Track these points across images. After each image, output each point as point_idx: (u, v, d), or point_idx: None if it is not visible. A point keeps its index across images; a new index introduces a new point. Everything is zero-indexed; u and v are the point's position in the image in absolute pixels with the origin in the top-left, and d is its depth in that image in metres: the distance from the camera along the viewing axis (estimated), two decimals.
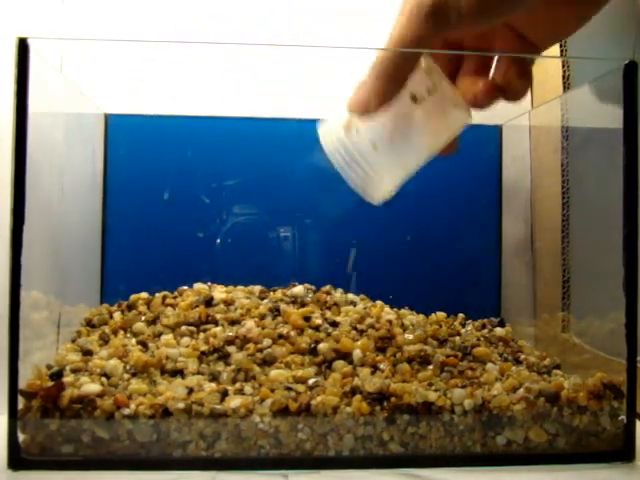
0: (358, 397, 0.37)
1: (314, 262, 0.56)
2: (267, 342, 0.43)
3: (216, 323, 0.46)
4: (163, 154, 0.56)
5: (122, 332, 0.45)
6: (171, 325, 0.45)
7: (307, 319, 0.46)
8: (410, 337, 0.45)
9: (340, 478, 0.36)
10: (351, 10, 0.58)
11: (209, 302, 0.48)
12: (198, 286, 0.51)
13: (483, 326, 0.52)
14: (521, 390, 0.39)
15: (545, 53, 0.42)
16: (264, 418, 0.36)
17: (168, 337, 0.44)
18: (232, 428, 0.36)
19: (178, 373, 0.40)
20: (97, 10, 0.56)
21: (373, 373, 0.41)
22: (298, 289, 0.50)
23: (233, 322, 0.46)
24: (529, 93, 0.53)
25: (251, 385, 0.39)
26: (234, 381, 0.40)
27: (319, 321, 0.46)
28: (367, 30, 0.58)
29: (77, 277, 0.51)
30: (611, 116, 0.41)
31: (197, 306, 0.47)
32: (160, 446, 0.36)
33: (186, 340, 0.44)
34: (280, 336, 0.44)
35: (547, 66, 0.55)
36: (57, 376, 0.37)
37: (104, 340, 0.44)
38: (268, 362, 0.42)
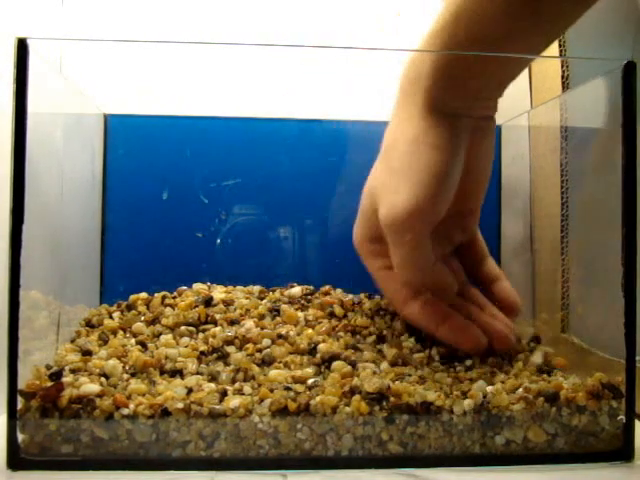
0: (357, 397, 0.37)
1: (314, 262, 0.56)
2: (266, 342, 0.43)
3: (215, 323, 0.46)
4: (163, 154, 0.56)
5: (121, 332, 0.45)
6: (170, 325, 0.45)
7: None
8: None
9: (339, 478, 0.36)
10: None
11: (208, 302, 0.48)
12: (197, 286, 0.51)
13: None
14: (520, 390, 0.38)
15: (545, 53, 0.42)
16: (263, 418, 0.36)
17: (167, 337, 0.44)
18: (231, 428, 0.36)
19: (177, 373, 0.40)
20: (96, 11, 0.56)
21: (372, 373, 0.41)
22: (297, 289, 0.50)
23: (232, 322, 0.46)
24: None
25: (250, 385, 0.39)
26: (233, 381, 0.40)
27: None
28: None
29: (76, 277, 0.51)
30: (610, 116, 0.41)
31: (196, 306, 0.47)
32: (159, 446, 0.36)
33: (185, 340, 0.44)
34: (279, 336, 0.44)
35: (546, 66, 0.55)
36: (56, 376, 0.37)
37: (103, 340, 0.44)
38: (267, 362, 0.42)
